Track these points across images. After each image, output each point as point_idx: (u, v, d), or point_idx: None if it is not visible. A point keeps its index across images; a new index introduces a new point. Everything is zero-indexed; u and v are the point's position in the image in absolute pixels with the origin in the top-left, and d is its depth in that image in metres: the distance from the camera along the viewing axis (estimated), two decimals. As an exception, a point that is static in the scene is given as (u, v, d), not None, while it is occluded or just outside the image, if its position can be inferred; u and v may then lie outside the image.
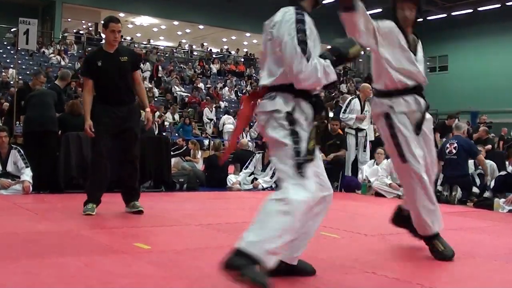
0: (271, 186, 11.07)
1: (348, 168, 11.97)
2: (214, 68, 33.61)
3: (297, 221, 3.30)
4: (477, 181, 10.12)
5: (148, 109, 7.11)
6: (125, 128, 6.76)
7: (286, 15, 3.54)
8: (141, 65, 30.48)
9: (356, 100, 12.16)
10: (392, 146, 4.63)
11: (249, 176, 11.37)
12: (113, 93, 6.72)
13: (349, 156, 11.98)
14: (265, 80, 3.65)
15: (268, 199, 3.36)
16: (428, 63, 40.43)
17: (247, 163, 11.53)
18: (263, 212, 3.35)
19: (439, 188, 10.21)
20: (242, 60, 37.14)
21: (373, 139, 12.25)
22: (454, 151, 10.01)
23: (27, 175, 8.82)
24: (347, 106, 12.13)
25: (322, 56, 3.50)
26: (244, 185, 11.11)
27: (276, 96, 3.53)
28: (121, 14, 35.75)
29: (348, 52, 3.66)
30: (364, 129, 11.96)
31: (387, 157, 11.05)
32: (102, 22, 6.97)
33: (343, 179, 11.61)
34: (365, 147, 11.95)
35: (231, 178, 11.28)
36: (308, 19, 3.51)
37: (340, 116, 12.17)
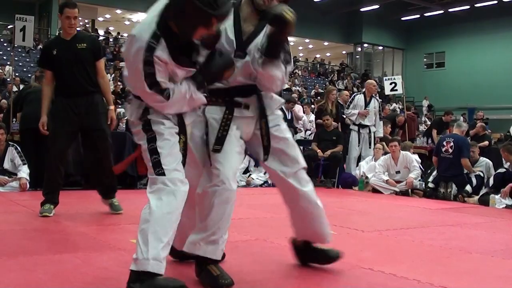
0: (267, 181, 11.06)
1: (349, 164, 11.99)
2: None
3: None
4: (474, 181, 10.07)
5: (112, 107, 6.52)
6: (88, 125, 6.26)
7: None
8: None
9: (361, 96, 12.22)
10: None
11: (244, 173, 11.35)
12: (70, 84, 6.20)
13: (351, 152, 12.01)
14: None
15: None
16: (425, 60, 40.58)
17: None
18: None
19: (430, 185, 10.25)
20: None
21: (381, 135, 12.23)
22: (450, 150, 10.03)
23: (24, 172, 8.81)
24: (350, 102, 12.19)
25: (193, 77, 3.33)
26: (241, 181, 11.09)
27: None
28: (118, 11, 35.75)
29: (222, 76, 3.44)
30: (367, 126, 11.98)
31: (385, 153, 11.09)
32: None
33: (340, 175, 11.61)
34: (370, 143, 11.95)
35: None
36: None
37: (344, 112, 12.25)
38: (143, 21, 3.24)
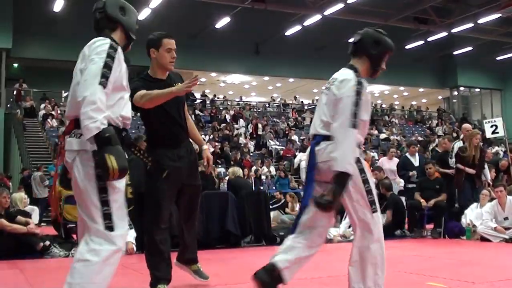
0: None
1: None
2: (307, 119, 33.81)
3: None
4: None
5: (206, 146, 5.70)
6: (189, 180, 5.43)
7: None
8: (240, 121, 30.99)
9: (459, 143, 11.99)
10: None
11: (350, 227, 11.25)
12: (172, 132, 5.24)
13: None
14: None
15: None
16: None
17: (345, 214, 11.43)
18: None
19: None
20: (332, 107, 37.19)
21: (489, 179, 11.92)
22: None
23: (130, 236, 9.05)
24: (451, 151, 11.96)
25: None
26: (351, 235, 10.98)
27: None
28: (213, 74, 36.67)
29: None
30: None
31: (491, 199, 10.78)
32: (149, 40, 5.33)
33: (446, 224, 11.34)
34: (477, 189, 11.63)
35: (331, 232, 11.19)
36: None
37: (449, 161, 12.00)
38: None
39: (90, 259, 3.38)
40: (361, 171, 4.01)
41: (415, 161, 12.79)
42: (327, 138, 3.98)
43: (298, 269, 4.19)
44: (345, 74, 4.12)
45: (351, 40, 4.34)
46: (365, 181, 4.02)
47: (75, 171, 3.51)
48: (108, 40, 3.54)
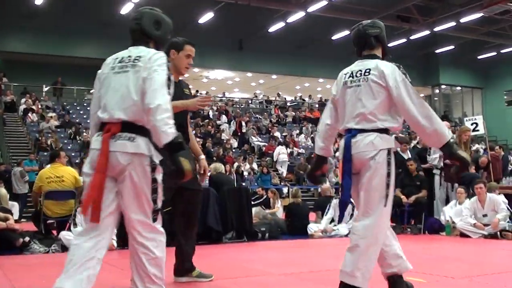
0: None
1: (438, 209, 11.76)
2: (290, 116, 33.87)
3: None
4: None
5: (203, 157, 5.77)
6: (189, 184, 4.87)
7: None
8: (222, 116, 30.97)
9: None
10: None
11: (331, 222, 11.30)
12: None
13: (436, 197, 11.79)
14: None
15: None
16: (505, 97, 39.93)
17: (326, 210, 11.48)
18: None
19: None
20: (317, 106, 37.29)
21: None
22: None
23: (111, 232, 9.03)
24: (429, 148, 12.02)
25: None
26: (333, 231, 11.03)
27: None
28: (196, 69, 36.55)
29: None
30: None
31: (468, 196, 10.86)
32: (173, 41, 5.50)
33: (426, 221, 11.41)
34: (452, 186, 11.70)
35: (312, 227, 11.23)
36: None
37: (427, 158, 12.06)
38: None
39: (157, 253, 3.84)
40: (389, 163, 4.18)
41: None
42: (363, 131, 4.18)
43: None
44: (382, 64, 4.32)
45: (372, 32, 4.58)
46: (389, 174, 4.18)
47: (131, 172, 3.72)
48: (163, 54, 3.90)
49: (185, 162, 3.63)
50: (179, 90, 5.22)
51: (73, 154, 21.23)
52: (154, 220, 3.81)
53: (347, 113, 4.31)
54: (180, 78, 5.53)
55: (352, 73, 4.38)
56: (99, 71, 4.15)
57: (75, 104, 30.46)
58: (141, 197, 3.76)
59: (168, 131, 3.56)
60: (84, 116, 27.98)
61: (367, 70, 4.28)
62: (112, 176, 3.77)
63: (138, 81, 3.74)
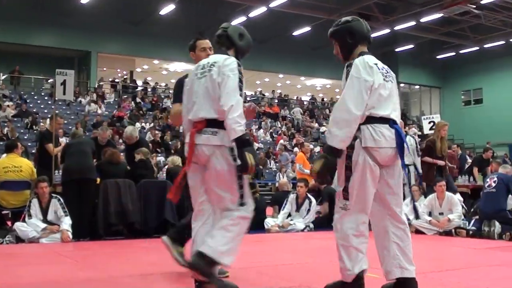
0: (309, 226, 11.03)
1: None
2: (249, 110, 33.82)
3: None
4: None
5: None
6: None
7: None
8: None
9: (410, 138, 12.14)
10: None
11: (288, 217, 11.31)
12: None
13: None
14: None
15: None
16: (463, 97, 40.33)
17: (283, 204, 11.49)
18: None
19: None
20: (276, 101, 37.33)
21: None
22: (493, 184, 9.84)
23: (65, 223, 8.93)
24: None
25: None
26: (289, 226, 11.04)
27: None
28: (155, 61, 36.32)
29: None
30: (406, 165, 11.81)
31: (424, 194, 10.96)
32: (192, 43, 5.90)
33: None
34: (409, 183, 11.72)
35: (269, 221, 11.21)
36: None
37: None
38: None
39: (232, 229, 4.36)
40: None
41: None
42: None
43: None
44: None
45: (371, 35, 4.69)
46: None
47: (214, 161, 4.31)
48: (234, 59, 4.47)
49: (250, 157, 4.15)
50: None
51: (29, 144, 20.91)
52: (241, 204, 4.36)
53: (393, 108, 4.39)
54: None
55: None
56: (186, 79, 4.80)
57: (32, 93, 29.99)
58: (225, 181, 4.30)
59: (237, 129, 4.10)
60: (42, 106, 27.59)
61: (386, 69, 4.47)
62: (201, 165, 4.39)
63: (214, 84, 4.33)
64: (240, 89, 4.30)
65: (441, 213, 10.33)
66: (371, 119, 4.17)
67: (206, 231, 4.44)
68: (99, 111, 27.57)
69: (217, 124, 4.30)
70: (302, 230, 10.97)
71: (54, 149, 10.48)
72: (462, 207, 10.66)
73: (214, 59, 4.54)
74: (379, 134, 4.18)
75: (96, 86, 32.02)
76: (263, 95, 38.95)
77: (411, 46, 37.00)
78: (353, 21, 4.72)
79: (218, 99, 4.27)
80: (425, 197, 10.82)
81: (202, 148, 4.33)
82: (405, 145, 4.27)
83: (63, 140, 14.81)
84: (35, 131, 23.45)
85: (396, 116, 4.33)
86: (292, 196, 11.49)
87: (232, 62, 4.38)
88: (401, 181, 4.40)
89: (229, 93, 4.23)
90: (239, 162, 4.20)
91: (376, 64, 4.32)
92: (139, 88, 33.86)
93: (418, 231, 10.40)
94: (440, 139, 11.52)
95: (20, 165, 9.97)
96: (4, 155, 10.62)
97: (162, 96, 33.65)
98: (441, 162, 11.40)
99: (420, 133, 19.38)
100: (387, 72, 4.38)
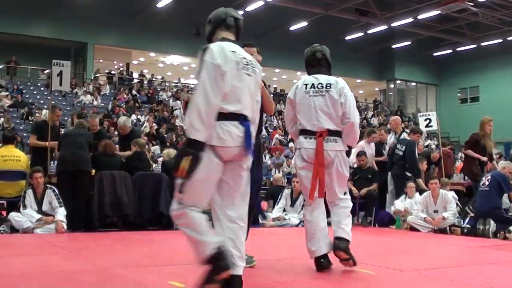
0: (303, 222, 11.03)
1: (389, 202, 11.84)
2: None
3: None
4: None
5: None
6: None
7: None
8: (176, 100, 30.74)
9: (391, 134, 12.19)
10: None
11: (283, 212, 11.31)
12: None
13: (388, 190, 11.88)
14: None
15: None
16: (459, 95, 40.37)
17: (278, 199, 11.50)
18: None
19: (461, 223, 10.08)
20: (272, 96, 37.29)
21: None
22: (487, 183, 9.84)
23: (60, 214, 8.92)
24: (385, 143, 12.14)
25: None
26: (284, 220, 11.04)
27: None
28: (152, 54, 36.25)
29: None
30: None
31: (419, 191, 10.97)
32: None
33: (377, 213, 11.50)
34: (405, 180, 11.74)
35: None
36: None
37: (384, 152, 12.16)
38: None
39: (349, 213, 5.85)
40: None
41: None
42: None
43: None
44: None
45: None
46: None
47: (337, 162, 5.50)
48: (345, 82, 5.68)
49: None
50: None
51: (24, 134, 20.88)
52: (345, 193, 5.75)
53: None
54: None
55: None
56: (289, 96, 5.89)
57: (28, 84, 29.93)
58: (343, 179, 5.62)
59: (357, 138, 5.78)
60: (38, 97, 27.54)
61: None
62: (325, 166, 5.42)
63: (334, 101, 5.47)
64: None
65: (435, 211, 10.33)
66: (221, 116, 3.94)
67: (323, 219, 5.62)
68: (95, 103, 27.52)
69: (336, 133, 5.49)
70: (297, 225, 10.97)
71: (49, 142, 10.43)
72: (457, 205, 10.66)
73: (326, 80, 5.62)
74: (226, 133, 3.95)
75: (92, 78, 31.95)
76: (259, 89, 38.84)
77: (408, 43, 37.01)
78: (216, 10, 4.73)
79: (338, 114, 5.45)
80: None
81: (328, 152, 5.43)
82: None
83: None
84: (30, 122, 23.41)
85: (249, 112, 4.09)
86: (286, 191, 11.50)
87: (345, 86, 5.59)
88: (243, 177, 4.15)
89: (351, 110, 5.48)
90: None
91: (234, 52, 4.13)
92: (135, 81, 33.79)
93: (412, 228, 10.42)
94: (485, 135, 11.50)
95: (19, 155, 10.02)
96: (0, 144, 10.63)
97: (158, 89, 33.60)
98: (484, 158, 11.40)
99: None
100: (247, 64, 4.17)
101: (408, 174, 11.45)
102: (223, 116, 3.92)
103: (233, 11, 4.59)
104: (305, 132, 5.54)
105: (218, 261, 3.81)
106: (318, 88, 5.55)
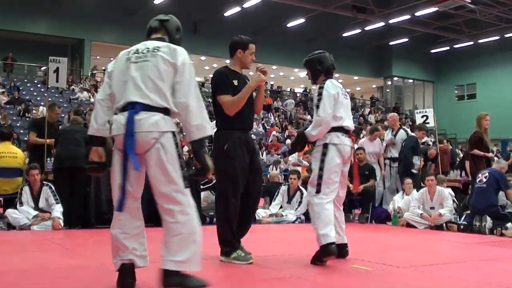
0: (300, 218, 11.04)
1: (386, 198, 11.86)
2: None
3: None
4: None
5: None
6: (253, 163, 6.07)
7: None
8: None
9: (389, 131, 12.22)
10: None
11: (280, 208, 11.32)
12: (247, 119, 6.09)
13: (385, 186, 11.90)
14: None
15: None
16: (456, 92, 40.38)
17: (274, 196, 11.50)
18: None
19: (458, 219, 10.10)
20: (269, 92, 37.29)
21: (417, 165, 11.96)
22: (484, 179, 9.85)
23: (57, 211, 8.92)
24: (383, 140, 12.17)
25: None
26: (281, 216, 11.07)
27: None
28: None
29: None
30: (399, 159, 11.86)
31: (416, 188, 10.98)
32: (238, 41, 6.19)
33: (374, 210, 11.51)
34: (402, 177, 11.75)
35: (260, 212, 11.20)
36: None
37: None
38: None
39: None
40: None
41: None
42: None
43: None
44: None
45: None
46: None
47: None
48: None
49: None
50: (243, 82, 6.01)
51: (21, 131, 20.87)
52: None
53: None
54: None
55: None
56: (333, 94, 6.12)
57: (25, 80, 29.87)
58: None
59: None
60: (34, 94, 27.48)
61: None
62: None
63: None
64: None
65: (432, 208, 10.34)
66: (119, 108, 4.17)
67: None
68: (92, 100, 27.48)
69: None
70: (293, 222, 10.97)
71: (46, 139, 10.42)
72: (454, 201, 10.67)
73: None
74: (116, 121, 4.13)
75: (89, 74, 31.90)
76: (256, 86, 38.81)
77: (406, 39, 37.01)
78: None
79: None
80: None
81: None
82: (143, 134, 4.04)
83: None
84: (27, 119, 23.37)
85: (139, 98, 4.06)
86: (283, 188, 11.51)
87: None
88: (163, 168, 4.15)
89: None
90: None
91: (130, 51, 4.44)
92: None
93: (409, 225, 10.43)
94: (484, 130, 11.50)
95: (15, 152, 10.03)
96: (-4, 140, 10.63)
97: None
98: (490, 155, 11.43)
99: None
100: (139, 52, 4.35)
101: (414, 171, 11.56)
102: (117, 109, 4.20)
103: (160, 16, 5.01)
104: (341, 130, 6.01)
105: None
106: (346, 93, 6.37)
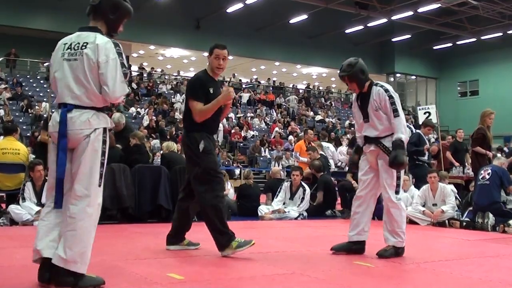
0: (302, 215, 11.05)
1: None
2: (244, 97, 33.73)
3: None
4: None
5: None
6: None
7: None
8: (176, 95, 30.75)
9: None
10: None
11: (282, 205, 11.32)
12: (216, 123, 6.46)
13: None
14: None
15: None
16: (459, 88, 40.33)
17: (277, 192, 11.50)
18: None
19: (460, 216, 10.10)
20: (272, 89, 37.28)
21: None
22: (487, 176, 9.82)
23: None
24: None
25: None
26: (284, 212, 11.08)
27: None
28: (152, 47, 36.17)
29: None
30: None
31: (415, 185, 10.99)
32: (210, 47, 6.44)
33: (376, 207, 11.47)
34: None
35: (262, 209, 11.21)
36: None
37: None
38: None
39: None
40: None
41: None
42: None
43: None
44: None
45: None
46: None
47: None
48: None
49: None
50: (218, 90, 6.28)
51: (24, 127, 20.87)
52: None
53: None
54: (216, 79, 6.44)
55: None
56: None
57: (28, 76, 29.91)
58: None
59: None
60: (37, 89, 27.51)
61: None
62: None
63: None
64: None
65: (434, 204, 10.34)
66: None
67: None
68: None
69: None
70: (296, 218, 10.98)
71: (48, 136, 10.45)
72: (456, 198, 10.67)
73: None
74: (53, 118, 4.32)
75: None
76: (259, 82, 38.88)
77: (408, 36, 36.97)
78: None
79: None
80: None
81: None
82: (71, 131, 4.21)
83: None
84: (30, 114, 23.40)
85: (70, 99, 4.23)
86: (286, 184, 11.51)
87: None
88: (82, 163, 4.30)
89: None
90: None
91: (65, 43, 4.49)
92: (135, 73, 33.75)
93: (411, 221, 10.41)
94: (487, 128, 11.51)
95: (18, 148, 10.03)
96: (1, 137, 10.63)
97: (158, 82, 33.56)
98: (490, 154, 11.44)
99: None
100: (71, 49, 4.41)
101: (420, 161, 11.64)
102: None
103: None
104: (366, 139, 6.45)
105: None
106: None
